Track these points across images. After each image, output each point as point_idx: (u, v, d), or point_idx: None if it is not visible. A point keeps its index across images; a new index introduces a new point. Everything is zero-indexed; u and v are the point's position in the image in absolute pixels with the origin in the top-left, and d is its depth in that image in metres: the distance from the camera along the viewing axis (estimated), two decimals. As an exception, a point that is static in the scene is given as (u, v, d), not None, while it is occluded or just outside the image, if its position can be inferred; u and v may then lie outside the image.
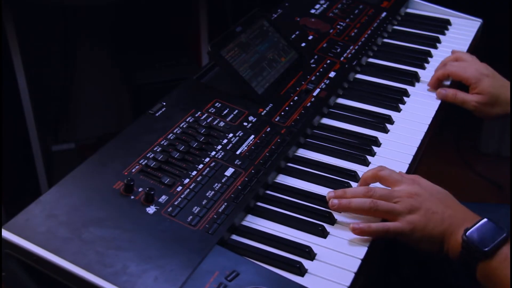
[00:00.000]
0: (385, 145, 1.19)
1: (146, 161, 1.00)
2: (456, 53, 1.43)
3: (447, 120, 1.42)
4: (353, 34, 1.51)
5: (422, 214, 0.95)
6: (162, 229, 0.90)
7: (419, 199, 0.97)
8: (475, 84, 1.30)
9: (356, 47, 1.46)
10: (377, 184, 1.04)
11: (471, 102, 1.30)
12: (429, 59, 1.50)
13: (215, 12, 2.35)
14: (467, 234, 0.92)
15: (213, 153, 1.06)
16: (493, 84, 1.30)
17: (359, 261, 0.92)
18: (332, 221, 0.99)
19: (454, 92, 1.32)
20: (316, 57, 1.39)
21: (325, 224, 0.98)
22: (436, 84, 1.37)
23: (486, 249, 0.90)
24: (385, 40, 1.57)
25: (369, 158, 1.15)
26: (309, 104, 1.24)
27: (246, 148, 1.09)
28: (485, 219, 0.93)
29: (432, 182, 1.02)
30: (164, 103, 1.14)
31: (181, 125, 1.09)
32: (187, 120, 1.11)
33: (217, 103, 1.17)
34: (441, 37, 1.59)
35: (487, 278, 0.91)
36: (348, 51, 1.44)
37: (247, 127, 1.14)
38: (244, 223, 0.98)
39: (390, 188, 1.01)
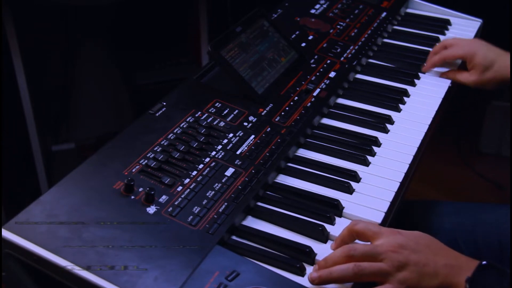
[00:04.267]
0: (385, 145, 1.19)
1: (146, 161, 1.00)
2: (443, 41, 1.49)
3: (447, 120, 1.42)
4: (353, 34, 1.51)
5: (412, 270, 0.86)
6: (162, 229, 0.90)
7: (405, 252, 0.87)
8: (470, 57, 1.38)
9: (356, 47, 1.46)
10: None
11: (471, 82, 1.38)
12: (429, 59, 1.50)
13: (215, 12, 2.35)
14: (471, 284, 0.84)
15: (213, 153, 1.06)
16: (487, 55, 1.37)
17: (359, 261, 0.92)
18: (332, 221, 0.99)
19: (453, 73, 1.41)
20: (316, 57, 1.39)
21: (325, 224, 0.98)
22: (430, 68, 1.45)
23: None
24: (385, 40, 1.57)
25: (369, 158, 1.15)
26: (309, 104, 1.24)
27: (246, 148, 1.09)
28: (483, 262, 0.86)
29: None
30: (164, 103, 1.14)
31: (181, 125, 1.09)
32: (187, 120, 1.11)
33: (217, 103, 1.17)
34: (441, 37, 1.59)
35: None
36: (348, 51, 1.44)
37: (247, 127, 1.14)
38: (244, 223, 0.98)
39: (370, 243, 0.91)
